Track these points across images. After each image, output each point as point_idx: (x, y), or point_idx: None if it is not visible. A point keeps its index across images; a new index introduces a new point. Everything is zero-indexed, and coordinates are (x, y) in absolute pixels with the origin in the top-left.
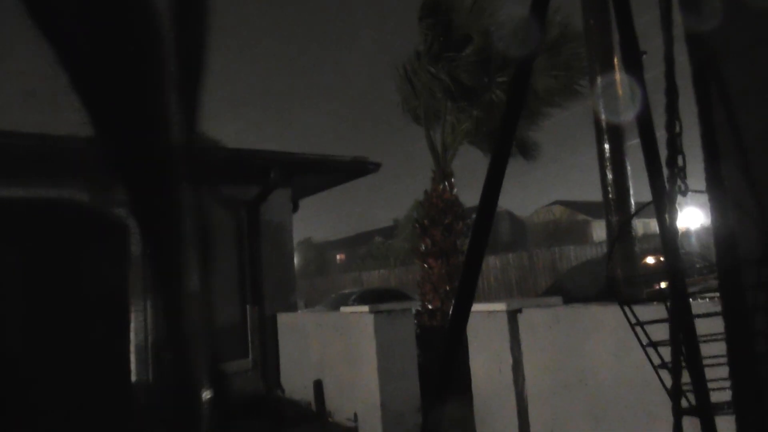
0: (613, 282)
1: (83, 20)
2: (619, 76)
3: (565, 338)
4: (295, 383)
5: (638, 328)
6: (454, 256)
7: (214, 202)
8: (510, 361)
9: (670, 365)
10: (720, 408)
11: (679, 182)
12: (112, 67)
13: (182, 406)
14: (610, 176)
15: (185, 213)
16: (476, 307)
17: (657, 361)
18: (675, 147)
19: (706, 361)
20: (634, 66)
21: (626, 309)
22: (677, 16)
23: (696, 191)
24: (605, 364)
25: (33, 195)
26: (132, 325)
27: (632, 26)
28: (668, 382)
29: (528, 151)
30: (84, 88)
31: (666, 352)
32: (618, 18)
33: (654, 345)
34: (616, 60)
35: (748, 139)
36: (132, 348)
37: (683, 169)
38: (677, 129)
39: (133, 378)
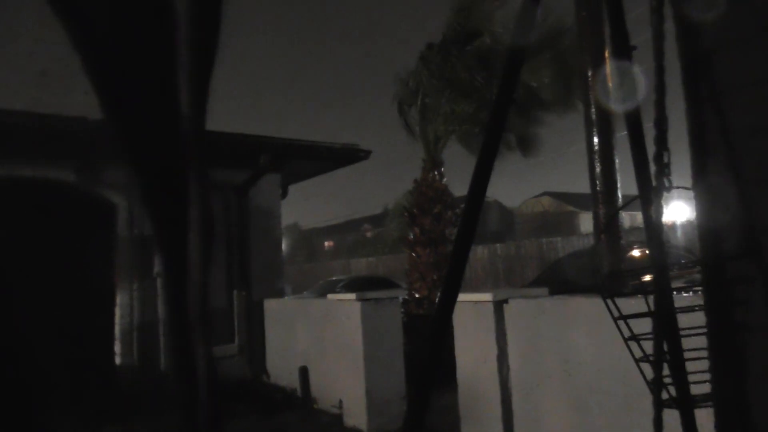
0: (598, 275)
1: (99, 4)
2: (609, 69)
3: (550, 329)
4: (281, 369)
5: (621, 322)
6: (443, 245)
7: (209, 187)
8: (495, 350)
9: (651, 358)
10: (700, 400)
11: (664, 178)
12: (125, 50)
13: (190, 392)
14: (598, 169)
15: (194, 200)
16: (463, 296)
17: (639, 354)
18: (662, 143)
19: (686, 354)
20: (624, 61)
21: (609, 303)
22: (668, 12)
23: (681, 188)
24: (589, 355)
25: (20, 175)
26: (118, 308)
27: (623, 21)
28: (649, 375)
29: (528, 146)
30: (98, 72)
31: (648, 346)
32: (609, 13)
33: (636, 338)
34: (607, 53)
35: (735, 137)
36: (117, 330)
37: (668, 165)
38: (665, 126)
39: (118, 360)
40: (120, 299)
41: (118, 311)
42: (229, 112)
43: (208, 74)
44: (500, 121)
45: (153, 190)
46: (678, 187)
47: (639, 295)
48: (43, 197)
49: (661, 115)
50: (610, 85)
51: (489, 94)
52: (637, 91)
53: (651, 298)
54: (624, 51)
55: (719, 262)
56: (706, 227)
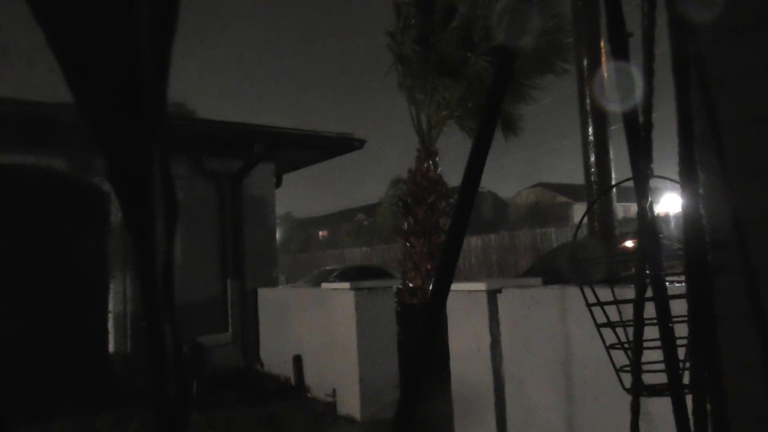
0: (574, 261)
1: None
2: (605, 58)
3: (543, 318)
4: (275, 358)
5: (595, 309)
6: (437, 235)
7: (197, 174)
8: (488, 339)
9: (624, 345)
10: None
11: (651, 166)
12: (90, 24)
13: (163, 379)
14: (592, 159)
15: (161, 180)
16: (456, 286)
17: (610, 341)
18: (650, 128)
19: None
20: (620, 48)
21: (584, 289)
22: (660, 2)
23: (662, 177)
24: (582, 344)
25: (11, 163)
26: (110, 295)
27: (619, 7)
28: (618, 363)
29: (511, 127)
30: (61, 47)
31: (620, 334)
32: (606, 4)
33: (610, 325)
34: (602, 43)
35: (722, 128)
36: (110, 318)
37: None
38: (651, 111)
39: (111, 348)
40: (113, 287)
41: (111, 299)
42: (223, 100)
43: (169, 49)
44: (496, 106)
45: (118, 169)
46: (660, 177)
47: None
48: (35, 186)
49: (649, 100)
50: (605, 74)
51: (476, 69)
52: (632, 79)
53: (625, 287)
54: (620, 38)
55: (702, 251)
56: (690, 217)
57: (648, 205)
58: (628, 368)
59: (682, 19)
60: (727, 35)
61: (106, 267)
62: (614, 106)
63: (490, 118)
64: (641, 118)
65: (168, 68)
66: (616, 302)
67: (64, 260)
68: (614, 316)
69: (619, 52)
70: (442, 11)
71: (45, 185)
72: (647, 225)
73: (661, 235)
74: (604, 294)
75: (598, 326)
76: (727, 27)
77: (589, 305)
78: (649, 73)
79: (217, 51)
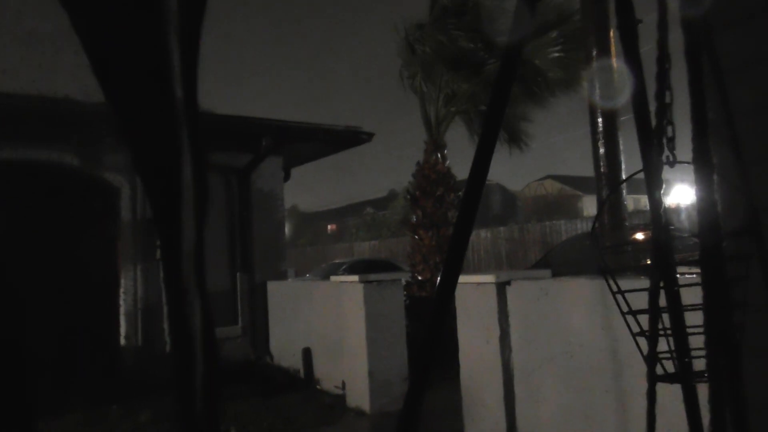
0: (597, 250)
1: None
2: (615, 48)
3: (552, 311)
4: (284, 351)
5: (619, 297)
6: (445, 228)
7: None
8: (497, 332)
9: (646, 333)
10: (695, 376)
11: (666, 153)
12: (119, 16)
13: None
14: (602, 150)
15: (192, 170)
16: (465, 278)
17: (636, 329)
18: (664, 116)
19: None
20: (629, 35)
21: (608, 277)
22: None
23: (683, 162)
24: (591, 336)
25: (22, 159)
26: (122, 289)
27: None
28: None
29: (516, 140)
30: (90, 37)
31: (645, 321)
32: None
33: (633, 313)
34: (612, 32)
35: (736, 115)
36: (121, 312)
37: (672, 139)
38: (668, 99)
39: (122, 342)
40: (124, 282)
41: (121, 293)
42: (232, 94)
43: (196, 50)
44: (502, 101)
45: (149, 168)
46: (681, 162)
47: (642, 276)
48: (46, 181)
49: (663, 88)
50: (615, 64)
51: (491, 68)
52: (641, 65)
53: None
54: (630, 24)
55: (718, 239)
56: (705, 204)
57: (660, 195)
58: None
59: (694, 5)
60: (740, 20)
61: (117, 261)
62: (622, 97)
63: (497, 110)
64: (653, 107)
65: (197, 57)
66: (640, 290)
67: (74, 255)
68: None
69: (629, 38)
70: (458, 3)
71: (54, 180)
72: (659, 216)
73: (672, 227)
74: (624, 283)
75: (624, 314)
76: (741, 11)
77: (613, 293)
78: (663, 59)
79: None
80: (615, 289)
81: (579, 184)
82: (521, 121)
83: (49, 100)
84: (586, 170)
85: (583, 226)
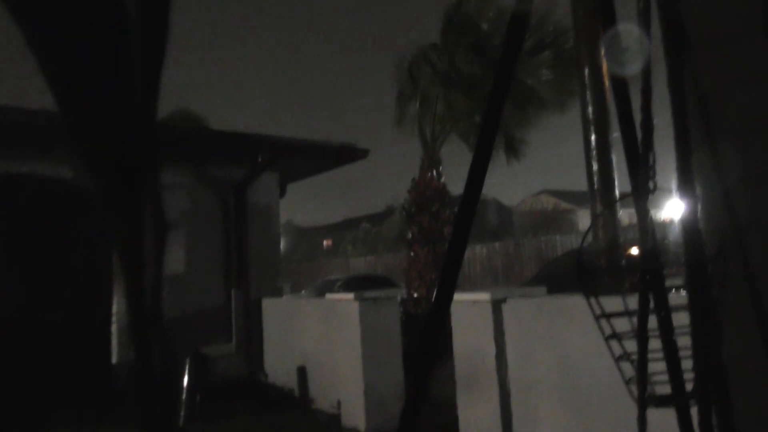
0: (581, 273)
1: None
2: (606, 67)
3: (548, 328)
4: (279, 369)
5: (603, 320)
6: (441, 244)
7: (201, 182)
8: (493, 349)
9: (632, 357)
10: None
11: (649, 180)
12: (75, 36)
13: (158, 390)
14: (595, 167)
15: (149, 194)
16: (461, 296)
17: (619, 352)
18: (648, 145)
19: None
20: (617, 64)
21: (592, 300)
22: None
23: (665, 189)
24: (588, 354)
25: (18, 172)
26: (114, 303)
27: (615, 24)
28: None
29: (514, 150)
30: (45, 58)
31: (628, 345)
32: (603, 18)
33: (617, 336)
34: (603, 51)
35: (718, 137)
36: (114, 327)
37: (653, 166)
38: (651, 127)
39: (114, 359)
40: (116, 296)
41: (115, 308)
42: (228, 110)
43: (159, 63)
44: (495, 116)
45: (107, 188)
46: (662, 189)
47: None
48: (41, 194)
49: (648, 117)
50: (606, 83)
51: (487, 87)
52: (628, 92)
53: (633, 297)
54: (617, 55)
55: (702, 261)
56: (689, 227)
57: (649, 221)
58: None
59: (676, 31)
60: (721, 42)
61: (111, 274)
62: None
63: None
64: (639, 135)
65: (158, 89)
66: (623, 314)
67: (68, 267)
68: (624, 327)
69: (617, 67)
70: (459, 23)
71: (49, 193)
72: (648, 241)
73: (666, 240)
74: (611, 304)
75: (606, 338)
76: (722, 33)
77: (596, 317)
78: (647, 90)
79: (227, 60)
80: (598, 312)
81: (574, 198)
82: (517, 128)
83: (44, 113)
84: (582, 184)
85: (579, 241)
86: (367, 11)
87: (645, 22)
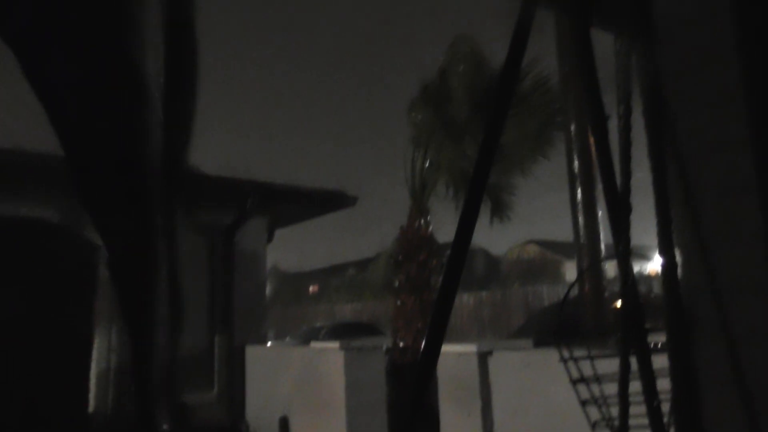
0: (558, 338)
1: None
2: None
3: (534, 382)
4: (261, 419)
5: (581, 385)
6: (428, 293)
7: (188, 225)
8: (479, 403)
9: (598, 401)
10: None
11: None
12: (88, 89)
13: None
14: (581, 220)
15: (158, 239)
16: (447, 347)
17: (595, 417)
18: (629, 210)
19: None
20: (599, 130)
21: (571, 365)
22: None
23: (641, 255)
24: (575, 409)
25: (1, 213)
26: (94, 351)
27: (599, 94)
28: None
29: (500, 211)
30: (54, 108)
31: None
32: (585, 84)
33: (597, 403)
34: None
35: (697, 199)
36: (93, 374)
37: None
38: (629, 192)
39: (91, 407)
40: (97, 342)
41: (94, 355)
42: (217, 153)
43: (190, 111)
44: (485, 169)
45: (119, 258)
46: (639, 254)
47: (601, 357)
48: (23, 236)
49: (627, 183)
50: (591, 139)
51: (478, 137)
52: (611, 157)
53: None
54: (599, 121)
55: (682, 323)
56: (671, 289)
57: (630, 283)
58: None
59: (656, 97)
60: (700, 106)
61: (91, 321)
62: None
63: (482, 172)
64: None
65: (185, 167)
66: (600, 380)
67: (46, 313)
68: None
69: (599, 133)
70: (452, 78)
71: (32, 235)
72: (630, 304)
73: (652, 294)
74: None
75: (573, 381)
76: (699, 98)
77: (564, 360)
78: (626, 159)
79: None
80: (566, 356)
81: (561, 249)
82: (503, 192)
83: (31, 154)
84: (568, 236)
85: (565, 292)
86: (372, 52)
87: (626, 89)
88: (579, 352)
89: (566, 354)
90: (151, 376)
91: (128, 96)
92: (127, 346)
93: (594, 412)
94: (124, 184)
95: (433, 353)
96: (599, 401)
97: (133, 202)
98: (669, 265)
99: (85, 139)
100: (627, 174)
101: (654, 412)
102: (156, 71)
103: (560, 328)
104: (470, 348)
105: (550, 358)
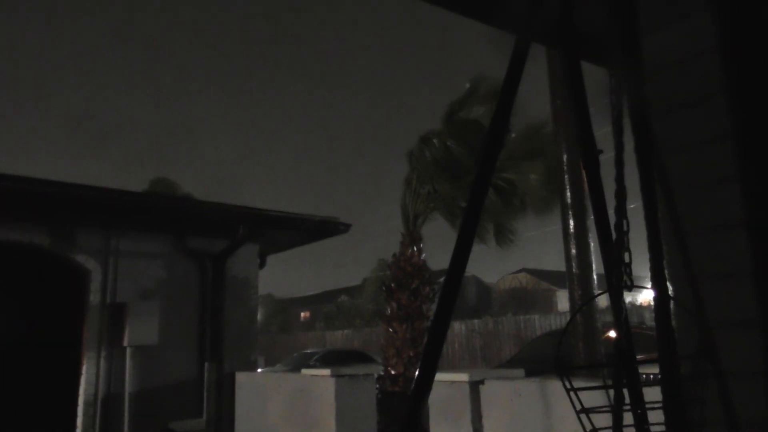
0: (561, 368)
1: None
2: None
3: (526, 412)
4: None
5: (583, 416)
6: (420, 321)
7: (179, 252)
8: None
9: None
10: None
11: (625, 278)
12: None
13: None
14: (573, 251)
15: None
16: (439, 376)
17: (589, 427)
18: (622, 245)
19: None
20: (591, 164)
21: (573, 395)
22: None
23: (641, 287)
24: None
25: None
26: (83, 377)
27: (590, 130)
28: None
29: (503, 236)
30: None
31: (597, 419)
32: (576, 119)
33: (587, 411)
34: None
35: (689, 236)
36: (80, 401)
37: (629, 265)
38: (625, 228)
39: None
40: (85, 368)
41: (83, 381)
42: (210, 180)
43: None
44: (479, 199)
45: None
46: (638, 287)
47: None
48: (12, 261)
49: (621, 219)
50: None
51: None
52: (602, 192)
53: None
54: (591, 155)
55: (675, 359)
56: (663, 324)
57: (623, 319)
58: None
59: (646, 137)
60: (689, 145)
61: (81, 347)
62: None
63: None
64: (614, 235)
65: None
66: (603, 410)
67: (35, 338)
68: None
69: (591, 168)
70: (447, 113)
71: (22, 260)
72: (623, 339)
73: (644, 326)
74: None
75: (578, 412)
76: (687, 142)
77: (577, 412)
78: (621, 191)
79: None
80: (569, 386)
81: (553, 278)
82: (505, 218)
83: (24, 180)
84: (561, 264)
85: (557, 321)
86: (375, 100)
87: (617, 127)
88: (578, 383)
89: (569, 385)
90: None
91: None
92: (114, 373)
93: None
94: None
95: (426, 381)
96: None
97: None
98: (661, 297)
99: None
100: (622, 211)
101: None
102: None
103: (563, 359)
104: (462, 376)
105: (541, 388)
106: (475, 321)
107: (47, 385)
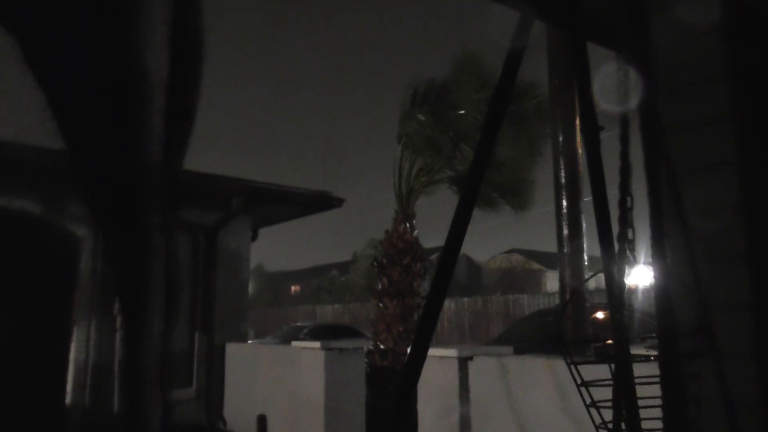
0: (562, 343)
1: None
2: (580, 138)
3: (513, 388)
4: (239, 416)
5: (583, 388)
6: (410, 297)
7: (174, 225)
8: (458, 407)
9: (610, 425)
10: None
11: (628, 254)
12: (91, 88)
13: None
14: (565, 232)
15: (154, 241)
16: (428, 352)
17: (599, 420)
18: (626, 222)
19: (644, 424)
20: (592, 140)
21: (573, 369)
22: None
23: (643, 264)
24: (551, 417)
25: None
26: (73, 344)
27: (592, 104)
28: None
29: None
30: (59, 106)
31: (607, 412)
32: (579, 95)
33: (596, 406)
34: (577, 121)
35: (689, 217)
36: (70, 368)
37: (633, 242)
38: (629, 205)
39: (68, 400)
40: (76, 335)
41: (73, 348)
42: (204, 151)
43: (188, 115)
44: (477, 180)
45: (116, 251)
46: (641, 263)
47: (602, 363)
48: (3, 228)
49: (625, 196)
50: (579, 150)
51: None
52: (602, 169)
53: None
54: (593, 133)
55: (673, 336)
56: (662, 302)
57: (620, 289)
58: None
59: (652, 116)
60: (691, 128)
61: (71, 313)
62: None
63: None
64: (618, 213)
65: (183, 141)
66: (603, 384)
67: (26, 304)
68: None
69: (591, 144)
70: (437, 91)
71: (13, 227)
72: (618, 315)
73: (632, 308)
74: (588, 372)
75: (587, 406)
76: (693, 120)
77: (578, 385)
78: (626, 169)
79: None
80: (579, 381)
81: (543, 259)
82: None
83: (14, 145)
84: (550, 245)
85: (546, 301)
86: (367, 58)
87: (623, 105)
88: (578, 358)
89: (569, 359)
90: (144, 366)
91: (130, 88)
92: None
93: (596, 415)
94: (122, 177)
95: (419, 357)
96: (600, 405)
97: (132, 196)
98: (662, 278)
99: (83, 130)
100: (627, 188)
101: (634, 414)
102: (159, 65)
103: (562, 334)
104: (451, 352)
105: (529, 365)
106: (465, 299)
107: (37, 351)
